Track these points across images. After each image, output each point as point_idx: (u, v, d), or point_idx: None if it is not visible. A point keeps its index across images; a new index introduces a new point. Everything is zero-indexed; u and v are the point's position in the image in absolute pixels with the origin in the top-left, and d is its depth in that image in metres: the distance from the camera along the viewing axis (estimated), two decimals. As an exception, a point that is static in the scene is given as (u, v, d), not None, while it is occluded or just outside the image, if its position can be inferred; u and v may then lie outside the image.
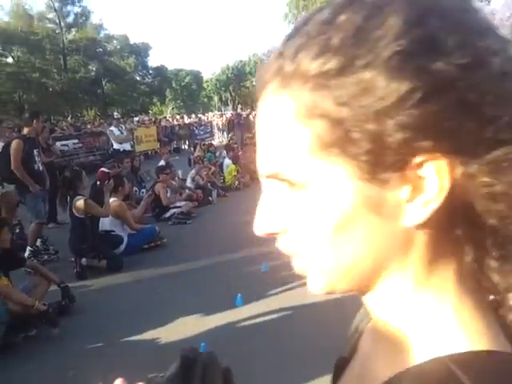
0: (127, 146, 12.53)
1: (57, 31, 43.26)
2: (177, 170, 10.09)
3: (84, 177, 5.84)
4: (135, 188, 9.03)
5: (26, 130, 6.44)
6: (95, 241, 5.61)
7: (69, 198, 5.60)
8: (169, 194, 8.51)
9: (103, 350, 3.68)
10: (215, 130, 28.09)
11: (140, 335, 3.85)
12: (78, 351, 3.70)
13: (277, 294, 4.52)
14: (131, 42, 54.49)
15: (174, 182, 9.06)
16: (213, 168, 11.24)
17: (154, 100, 60.04)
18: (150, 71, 57.45)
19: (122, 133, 12.27)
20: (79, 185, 5.68)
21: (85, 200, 5.48)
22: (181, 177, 10.35)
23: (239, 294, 4.32)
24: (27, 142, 6.16)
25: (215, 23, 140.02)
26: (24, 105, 38.98)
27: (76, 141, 16.39)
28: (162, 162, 10.31)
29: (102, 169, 8.30)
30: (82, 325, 4.19)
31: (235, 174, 11.04)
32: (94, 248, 5.55)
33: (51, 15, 43.34)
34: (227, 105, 68.83)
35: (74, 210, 5.49)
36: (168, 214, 8.02)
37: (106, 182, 6.13)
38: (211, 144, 15.82)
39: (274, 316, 4.06)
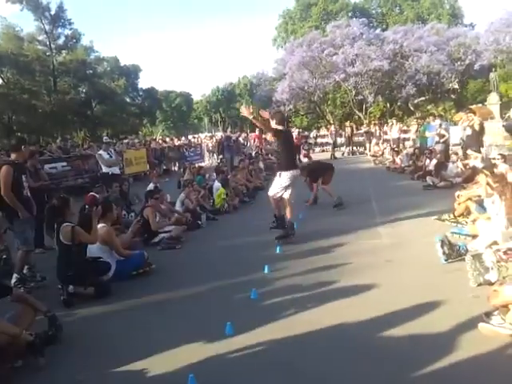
0: (116, 170, 12.51)
1: (47, 53, 43.39)
2: (165, 193, 10.06)
3: (72, 203, 5.83)
4: (124, 212, 9.00)
5: (13, 156, 6.42)
6: (82, 268, 5.55)
7: (56, 225, 5.55)
8: (158, 219, 8.48)
9: (90, 381, 3.63)
10: (205, 152, 28.18)
11: (127, 365, 3.80)
12: (65, 382, 3.65)
13: (267, 321, 4.49)
14: (121, 64, 54.80)
15: (163, 206, 9.03)
16: (202, 191, 11.24)
17: (144, 121, 60.14)
18: (140, 93, 57.64)
19: (111, 156, 12.26)
20: (67, 212, 5.67)
21: (72, 227, 5.44)
22: (169, 200, 10.31)
23: (229, 322, 4.30)
24: (16, 168, 6.14)
25: (205, 46, 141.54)
26: (13, 126, 38.88)
27: (64, 163, 16.31)
28: (151, 186, 10.30)
29: (91, 193, 8.29)
30: (68, 354, 4.12)
31: (224, 197, 11.04)
32: (80, 275, 5.49)
33: (42, 37, 43.51)
34: (217, 126, 69.17)
35: (61, 237, 5.45)
36: (157, 239, 7.96)
37: (95, 208, 6.11)
38: (201, 167, 15.86)
39: (265, 344, 4.02)
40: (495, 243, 5.64)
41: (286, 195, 7.38)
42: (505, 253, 5.05)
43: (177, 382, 3.44)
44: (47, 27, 42.84)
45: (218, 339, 4.11)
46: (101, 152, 12.48)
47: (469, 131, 13.00)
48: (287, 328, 4.25)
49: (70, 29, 44.81)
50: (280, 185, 7.30)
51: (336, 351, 3.79)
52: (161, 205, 8.88)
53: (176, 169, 23.37)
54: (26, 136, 30.53)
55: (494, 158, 10.10)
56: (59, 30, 44.40)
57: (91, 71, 47.66)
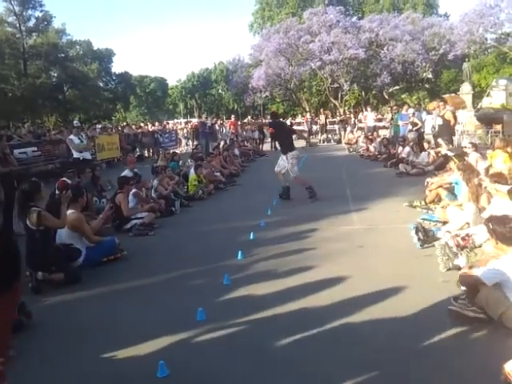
0: (87, 155, 12.30)
1: (17, 35, 42.19)
2: (148, 180, 10.01)
3: (43, 188, 5.66)
4: (95, 198, 8.84)
5: None
6: (50, 254, 5.43)
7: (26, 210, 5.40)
8: (133, 204, 8.37)
9: (59, 368, 3.56)
10: (180, 138, 27.90)
11: (97, 352, 3.74)
12: (33, 369, 3.58)
13: (239, 306, 4.49)
14: (94, 48, 53.70)
15: (141, 192, 8.93)
16: (176, 177, 11.12)
17: (118, 106, 59.22)
18: (114, 77, 56.69)
19: (81, 141, 12.04)
20: (37, 197, 5.50)
21: (39, 212, 5.28)
22: (143, 186, 10.16)
23: (200, 308, 4.27)
24: None
25: (181, 30, 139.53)
26: (-19, 110, 37.77)
27: (35, 149, 15.96)
28: (127, 172, 10.05)
29: (63, 179, 8.11)
30: (37, 342, 4.05)
31: (195, 183, 10.94)
32: (49, 261, 5.37)
33: (11, 19, 42.26)
34: (193, 112, 68.55)
35: (28, 222, 5.31)
36: (129, 225, 7.84)
37: (64, 192, 5.98)
38: (175, 153, 15.69)
39: (236, 330, 4.02)
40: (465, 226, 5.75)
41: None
42: (463, 238, 5.15)
43: (147, 368, 3.40)
44: (17, 9, 41.62)
45: (190, 325, 4.08)
46: (71, 137, 12.23)
47: (440, 121, 13.18)
48: (259, 313, 4.25)
49: (41, 11, 43.74)
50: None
51: (307, 336, 3.80)
52: (142, 189, 8.83)
53: (150, 154, 23.08)
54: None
55: (465, 147, 10.27)
56: (29, 11, 43.27)
57: (63, 55, 46.62)
